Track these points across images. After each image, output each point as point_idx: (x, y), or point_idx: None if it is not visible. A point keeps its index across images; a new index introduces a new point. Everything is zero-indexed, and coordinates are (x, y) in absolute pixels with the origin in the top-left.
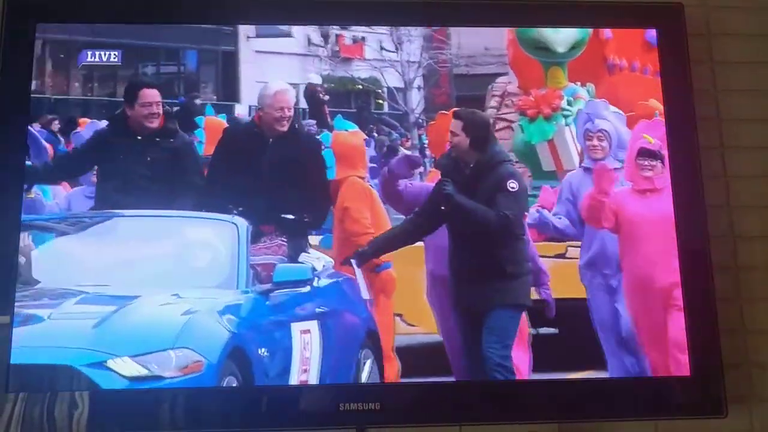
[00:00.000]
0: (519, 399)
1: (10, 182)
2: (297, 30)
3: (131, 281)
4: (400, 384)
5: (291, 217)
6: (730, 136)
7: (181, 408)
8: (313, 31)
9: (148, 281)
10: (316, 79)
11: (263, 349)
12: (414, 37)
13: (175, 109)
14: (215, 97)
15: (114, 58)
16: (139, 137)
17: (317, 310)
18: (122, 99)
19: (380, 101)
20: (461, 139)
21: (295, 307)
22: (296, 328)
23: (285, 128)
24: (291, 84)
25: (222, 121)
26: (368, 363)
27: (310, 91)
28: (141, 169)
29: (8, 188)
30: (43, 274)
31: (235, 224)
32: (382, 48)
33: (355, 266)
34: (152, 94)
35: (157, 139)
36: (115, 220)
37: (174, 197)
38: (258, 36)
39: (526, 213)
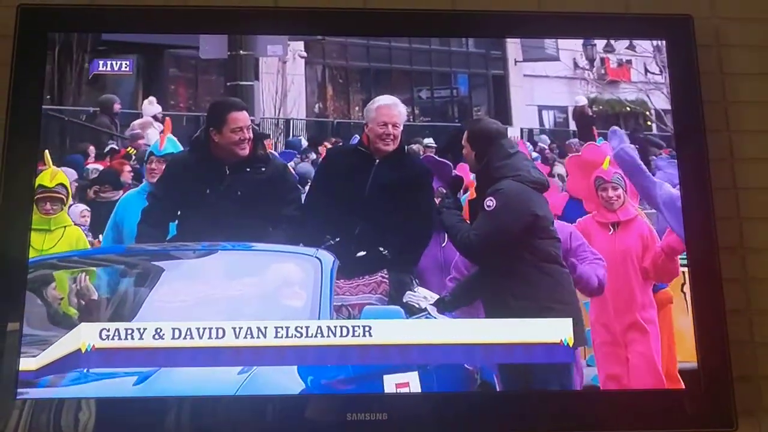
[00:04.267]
0: (526, 410)
1: (23, 194)
2: (564, 54)
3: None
4: (407, 395)
5: (363, 253)
6: (740, 148)
7: (188, 416)
8: (579, 55)
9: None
10: (584, 101)
11: None
12: None
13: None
14: None
15: (125, 67)
16: (227, 167)
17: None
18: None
19: (648, 123)
20: (467, 151)
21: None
22: (390, 381)
23: (389, 147)
24: (557, 106)
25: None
26: None
27: (579, 113)
28: (229, 205)
29: (19, 199)
30: (106, 314)
31: (319, 259)
32: (647, 71)
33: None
34: (243, 118)
35: (248, 170)
36: (187, 254)
37: (266, 232)
38: (525, 60)
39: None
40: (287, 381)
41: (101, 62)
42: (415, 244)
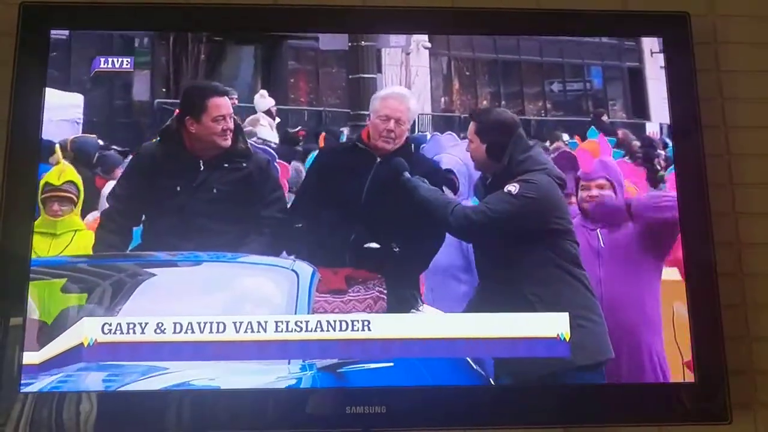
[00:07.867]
0: (524, 403)
1: (26, 191)
2: None
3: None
4: (405, 388)
5: (375, 245)
6: (736, 144)
7: (188, 409)
8: None
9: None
10: None
11: None
12: None
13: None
14: (624, 115)
15: (126, 64)
16: (202, 162)
17: None
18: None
19: None
20: (477, 145)
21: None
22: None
23: (389, 146)
24: None
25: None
26: None
27: None
28: (202, 205)
29: (22, 196)
30: (46, 339)
31: (295, 272)
32: None
33: None
34: (226, 104)
35: (226, 165)
36: (141, 267)
37: (243, 238)
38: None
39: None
40: None
41: (102, 60)
42: (421, 254)
